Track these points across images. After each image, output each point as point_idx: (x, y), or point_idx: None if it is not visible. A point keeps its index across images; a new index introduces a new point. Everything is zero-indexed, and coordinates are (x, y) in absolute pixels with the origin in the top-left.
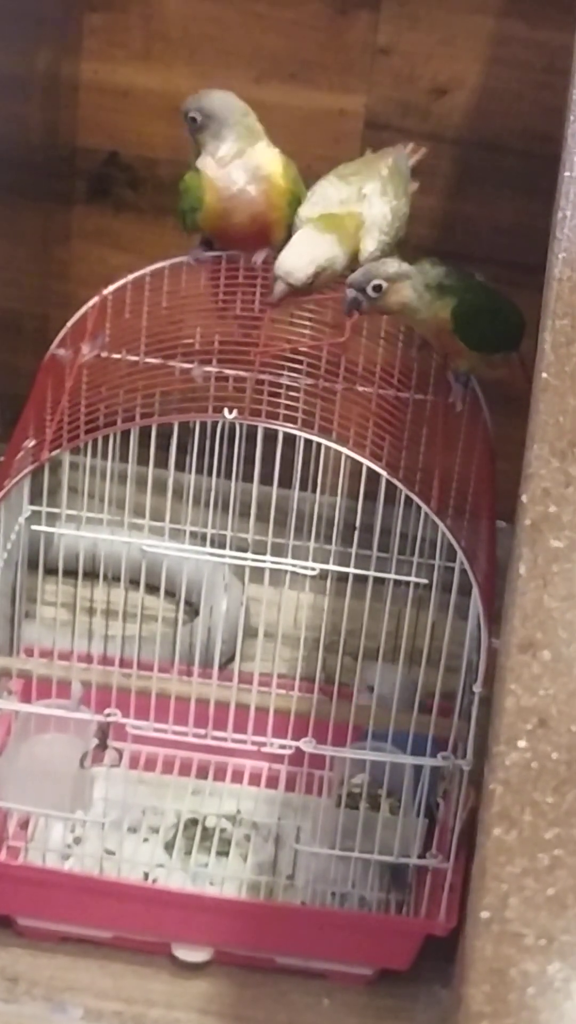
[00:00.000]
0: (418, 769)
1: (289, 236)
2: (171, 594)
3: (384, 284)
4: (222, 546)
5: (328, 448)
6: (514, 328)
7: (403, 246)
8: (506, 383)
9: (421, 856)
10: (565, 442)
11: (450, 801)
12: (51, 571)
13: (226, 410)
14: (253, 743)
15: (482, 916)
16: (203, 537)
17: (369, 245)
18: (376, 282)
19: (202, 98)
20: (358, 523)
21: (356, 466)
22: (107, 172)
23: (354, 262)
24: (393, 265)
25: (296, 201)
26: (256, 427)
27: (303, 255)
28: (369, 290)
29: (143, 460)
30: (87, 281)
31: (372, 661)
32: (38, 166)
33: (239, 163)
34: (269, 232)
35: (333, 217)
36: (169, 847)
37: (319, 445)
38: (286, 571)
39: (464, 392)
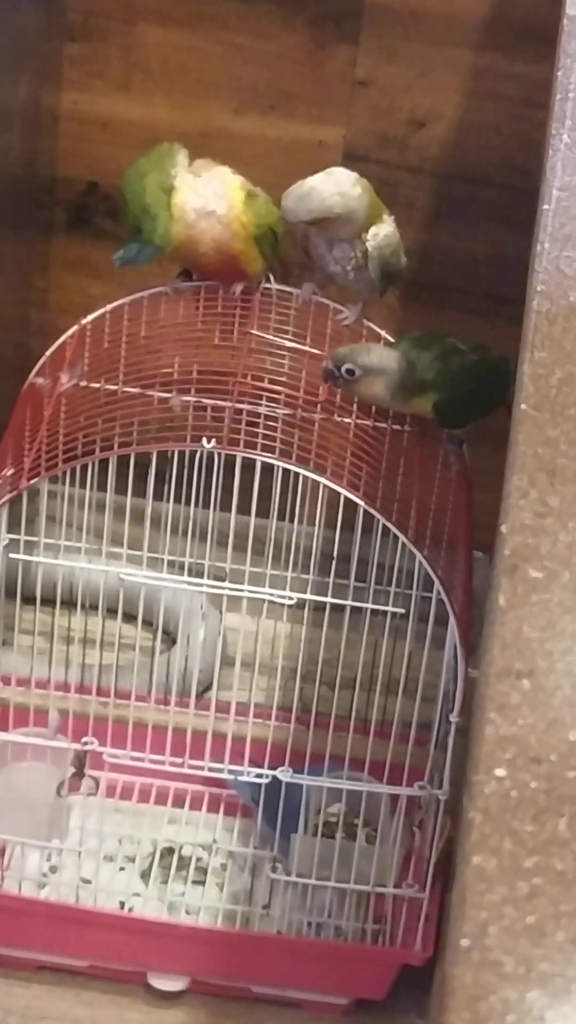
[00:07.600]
0: (395, 798)
1: (266, 271)
2: (149, 623)
3: (357, 372)
4: (200, 575)
5: (306, 478)
6: (498, 394)
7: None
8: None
9: (397, 886)
10: (544, 473)
11: (426, 831)
12: (29, 599)
13: (204, 439)
14: (230, 772)
15: (461, 944)
16: (181, 566)
17: (384, 230)
18: (349, 366)
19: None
20: (336, 553)
21: (334, 496)
22: (87, 202)
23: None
24: (375, 357)
25: (270, 234)
26: (234, 457)
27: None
28: (343, 371)
29: (121, 489)
30: (66, 310)
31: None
32: (18, 196)
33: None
34: (238, 264)
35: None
36: (145, 876)
37: (297, 475)
38: (264, 600)
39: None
